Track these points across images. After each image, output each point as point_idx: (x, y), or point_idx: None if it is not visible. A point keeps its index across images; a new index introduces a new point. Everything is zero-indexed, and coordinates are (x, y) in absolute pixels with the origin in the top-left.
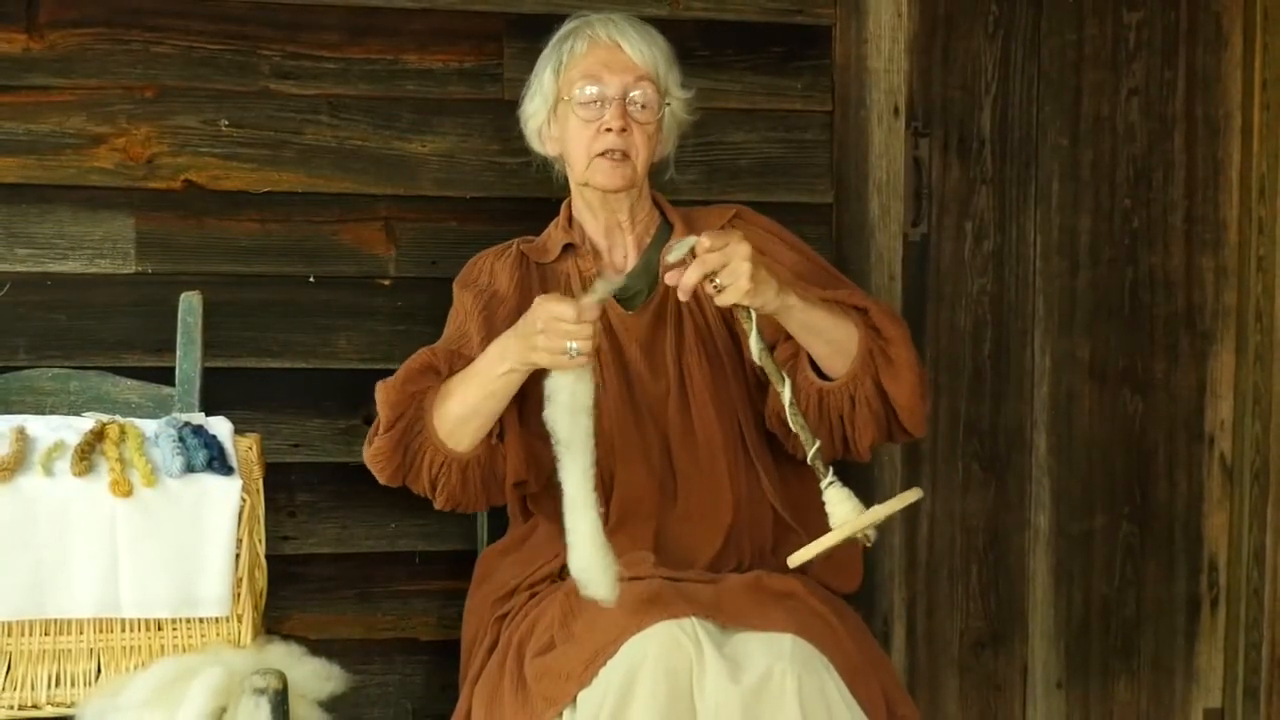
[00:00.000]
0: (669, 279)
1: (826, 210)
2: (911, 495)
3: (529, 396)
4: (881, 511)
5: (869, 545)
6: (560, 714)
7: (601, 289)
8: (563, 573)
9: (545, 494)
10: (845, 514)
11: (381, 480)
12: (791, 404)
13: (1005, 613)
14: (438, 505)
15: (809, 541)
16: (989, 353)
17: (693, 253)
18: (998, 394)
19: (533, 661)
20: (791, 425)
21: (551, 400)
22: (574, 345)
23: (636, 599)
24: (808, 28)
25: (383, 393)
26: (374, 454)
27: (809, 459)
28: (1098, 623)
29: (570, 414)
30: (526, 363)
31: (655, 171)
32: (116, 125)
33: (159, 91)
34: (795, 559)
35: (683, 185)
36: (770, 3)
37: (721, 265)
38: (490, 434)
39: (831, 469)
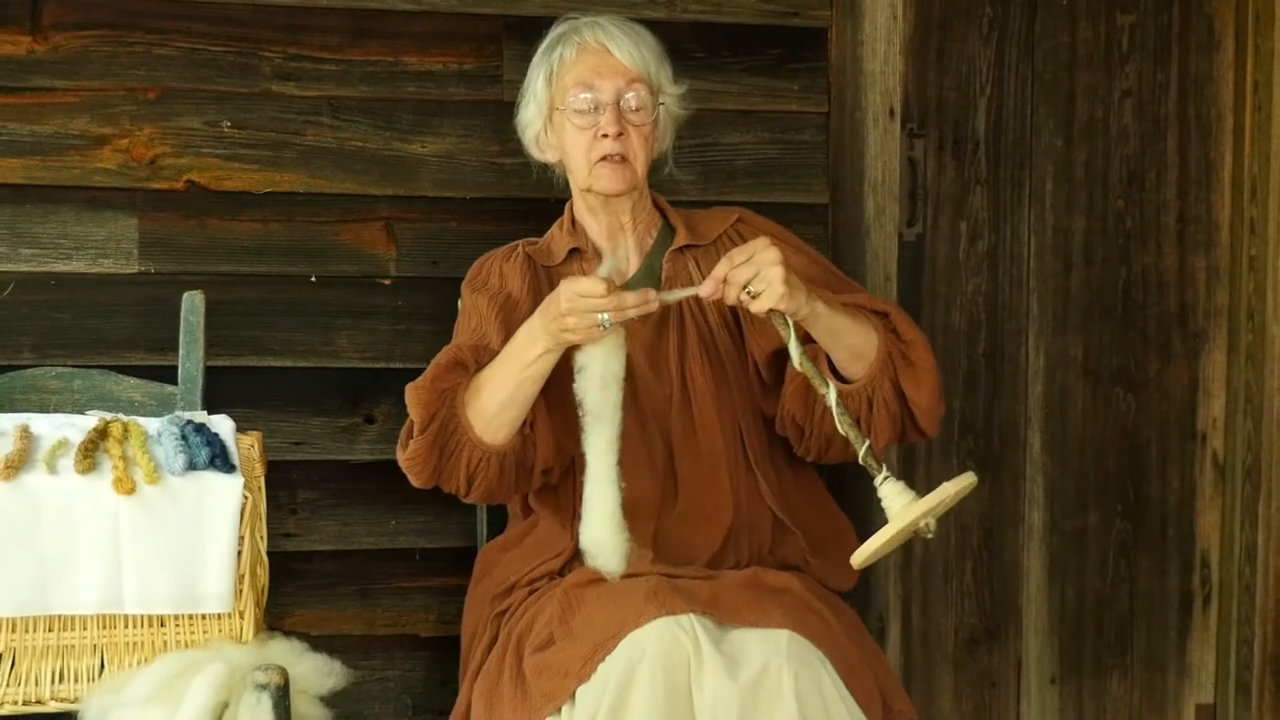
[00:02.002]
0: (706, 294)
1: (822, 211)
2: (965, 480)
3: (549, 387)
4: (935, 498)
5: (930, 535)
6: (559, 710)
7: (608, 266)
8: (562, 570)
9: (550, 491)
10: (903, 506)
11: (417, 483)
12: (838, 405)
13: (1000, 609)
14: (470, 499)
15: (806, 543)
16: (984, 351)
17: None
18: (992, 392)
19: (531, 657)
20: (839, 427)
21: (583, 372)
22: (605, 317)
23: (635, 595)
24: (804, 30)
25: (414, 394)
26: (410, 457)
27: (860, 458)
28: (1091, 619)
29: (601, 385)
30: (560, 343)
31: (653, 168)
32: (120, 126)
33: (162, 93)
34: (858, 557)
35: (680, 186)
36: (767, 5)
37: (754, 274)
38: (524, 423)
39: (885, 464)
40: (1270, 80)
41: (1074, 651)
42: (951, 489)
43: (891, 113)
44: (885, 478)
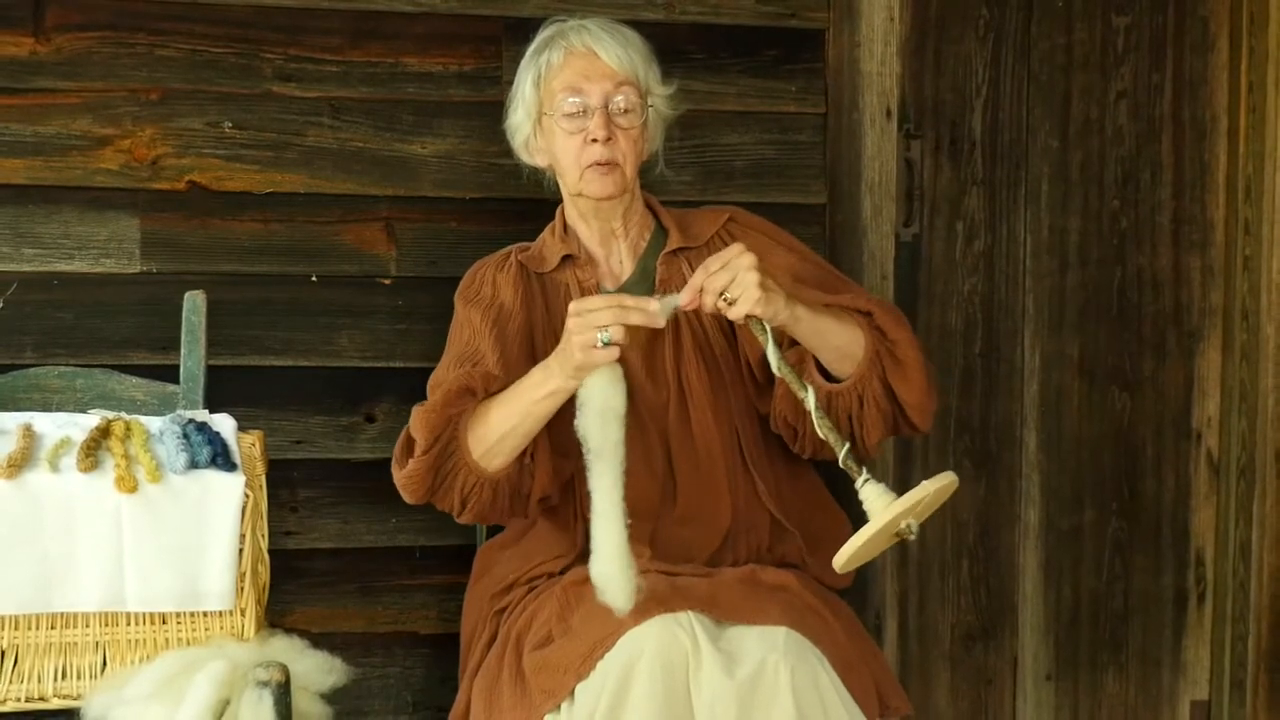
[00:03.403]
0: (685, 303)
1: (820, 211)
2: (944, 479)
3: (556, 415)
4: (914, 497)
5: (912, 537)
6: (558, 707)
7: (665, 303)
8: (562, 572)
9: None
10: (884, 506)
11: (410, 500)
12: (817, 409)
13: (996, 606)
14: (463, 520)
15: (803, 542)
16: (980, 351)
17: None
18: (988, 392)
19: (531, 655)
20: (819, 431)
21: (583, 407)
22: (603, 335)
23: None
24: (801, 31)
25: (421, 417)
26: (407, 477)
27: (840, 461)
28: (1087, 616)
29: (602, 421)
30: (568, 374)
31: (644, 169)
32: (122, 127)
33: (164, 94)
34: (839, 558)
35: (678, 186)
36: (764, 6)
37: (729, 280)
38: (524, 453)
39: (865, 468)
40: (1265, 81)
41: (1070, 648)
42: (930, 487)
43: (888, 114)
44: (866, 480)
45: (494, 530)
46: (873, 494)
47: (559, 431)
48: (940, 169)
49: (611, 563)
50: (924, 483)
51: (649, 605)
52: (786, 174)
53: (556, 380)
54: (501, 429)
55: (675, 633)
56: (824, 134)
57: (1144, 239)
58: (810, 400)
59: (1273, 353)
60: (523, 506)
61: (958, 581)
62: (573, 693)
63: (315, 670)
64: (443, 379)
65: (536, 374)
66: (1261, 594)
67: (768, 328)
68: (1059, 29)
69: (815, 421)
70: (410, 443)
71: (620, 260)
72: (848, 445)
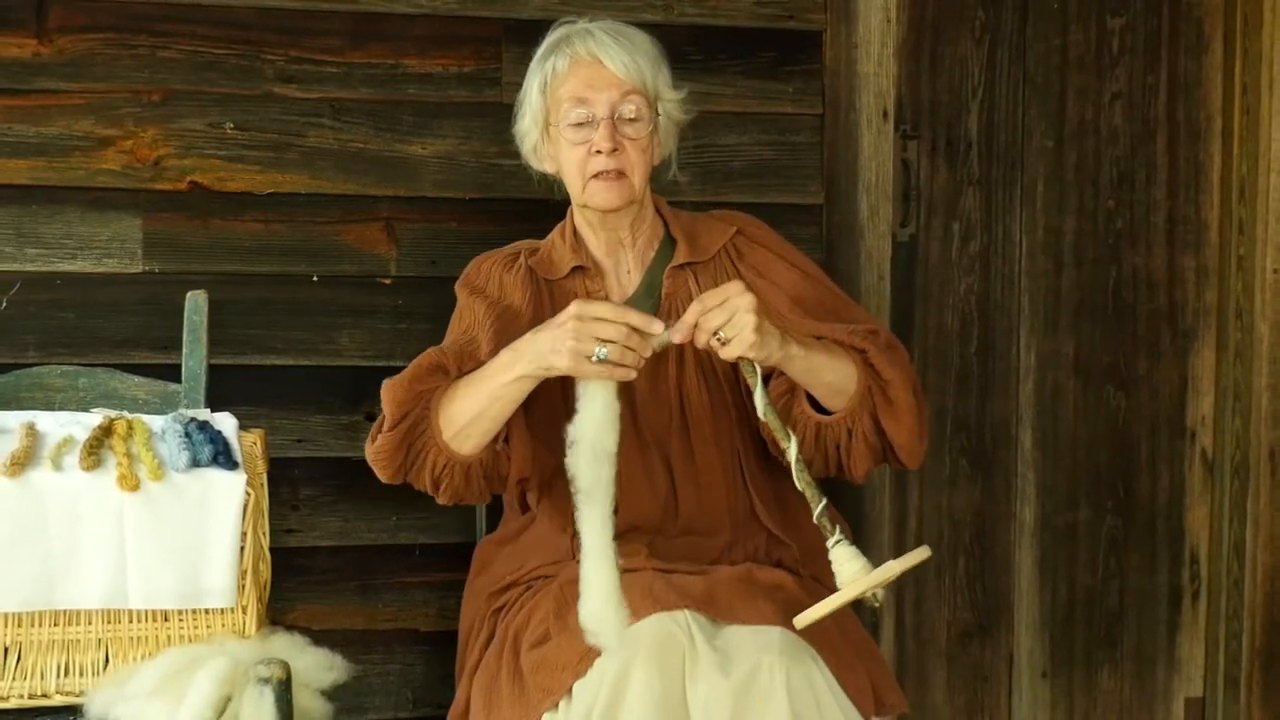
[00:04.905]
0: (679, 340)
1: (817, 211)
2: (919, 554)
3: (535, 399)
4: (883, 574)
5: (878, 605)
6: (556, 705)
7: (661, 340)
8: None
9: (546, 495)
10: (852, 573)
11: (383, 478)
12: (798, 461)
13: (992, 604)
14: (440, 501)
15: (800, 555)
16: (976, 350)
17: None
18: (984, 391)
19: (529, 654)
20: (797, 483)
21: (575, 446)
22: (600, 350)
23: (630, 592)
24: (799, 33)
25: (389, 390)
26: (376, 452)
27: (815, 517)
28: (1082, 614)
29: (593, 462)
30: (541, 368)
31: (657, 173)
32: (124, 128)
33: (165, 95)
34: (802, 619)
35: (678, 187)
36: (762, 8)
37: (726, 319)
38: (495, 438)
39: (839, 527)
40: (1258, 82)
41: (1065, 646)
42: (899, 567)
43: (885, 115)
44: (838, 541)
45: (492, 525)
46: (843, 557)
47: (538, 419)
48: (936, 169)
49: (603, 604)
50: (892, 561)
51: (646, 603)
52: (784, 174)
53: (524, 366)
54: (469, 412)
55: (672, 631)
56: (821, 135)
57: (1139, 239)
58: (793, 452)
59: (1266, 352)
60: (500, 487)
61: (954, 579)
62: (571, 691)
63: (316, 667)
64: None
65: (505, 356)
66: (1255, 592)
67: (758, 370)
68: (1054, 30)
69: (795, 475)
70: (383, 419)
71: (628, 270)
72: (824, 502)
